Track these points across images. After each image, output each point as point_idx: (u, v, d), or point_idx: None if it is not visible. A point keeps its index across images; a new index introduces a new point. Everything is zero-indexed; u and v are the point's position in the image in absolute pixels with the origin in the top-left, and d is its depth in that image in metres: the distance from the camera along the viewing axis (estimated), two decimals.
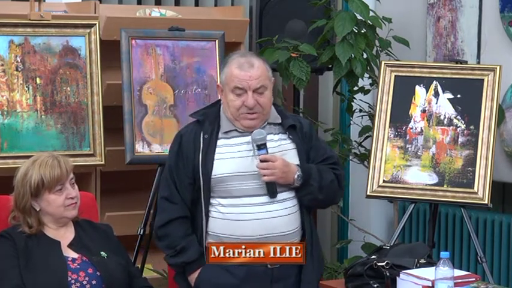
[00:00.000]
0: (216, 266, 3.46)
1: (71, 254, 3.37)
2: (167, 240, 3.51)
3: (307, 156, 3.57)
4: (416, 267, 3.46)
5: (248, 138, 3.48)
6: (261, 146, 3.44)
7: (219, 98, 3.61)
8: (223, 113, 3.54)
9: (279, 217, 3.46)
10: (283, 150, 3.52)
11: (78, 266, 3.33)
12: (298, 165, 3.50)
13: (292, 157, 3.52)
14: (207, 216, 3.48)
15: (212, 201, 3.48)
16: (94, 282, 3.32)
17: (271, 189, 3.45)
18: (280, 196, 3.47)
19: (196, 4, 5.66)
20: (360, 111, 5.09)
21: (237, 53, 3.64)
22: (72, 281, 3.28)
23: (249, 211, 3.44)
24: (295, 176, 3.46)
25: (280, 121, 3.56)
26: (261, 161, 3.43)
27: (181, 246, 3.47)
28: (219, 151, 3.49)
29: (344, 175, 3.69)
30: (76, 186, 3.45)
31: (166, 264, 3.91)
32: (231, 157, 3.48)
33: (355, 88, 4.91)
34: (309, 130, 3.62)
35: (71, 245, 3.39)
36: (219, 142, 3.50)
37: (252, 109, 3.46)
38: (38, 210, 3.37)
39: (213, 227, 3.48)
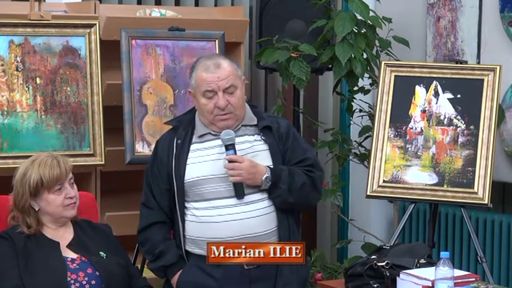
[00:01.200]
0: (195, 267, 3.49)
1: (70, 254, 3.37)
2: (147, 245, 3.57)
3: (283, 158, 3.56)
4: (416, 267, 3.46)
5: (221, 141, 3.49)
6: (229, 147, 3.46)
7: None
8: (198, 118, 3.57)
9: (251, 218, 3.47)
10: (255, 151, 3.53)
11: (78, 266, 3.33)
12: (268, 167, 3.49)
13: (264, 158, 3.52)
14: (183, 221, 3.51)
15: (187, 205, 3.51)
16: (93, 282, 3.32)
17: (238, 190, 3.46)
18: (252, 197, 3.48)
19: (196, 4, 5.66)
20: (360, 111, 5.09)
21: (203, 56, 3.67)
22: (72, 281, 3.28)
23: (221, 213, 3.46)
24: (263, 178, 3.46)
25: (255, 122, 3.58)
26: (228, 161, 3.44)
27: (159, 250, 3.52)
28: (192, 155, 3.52)
29: (322, 177, 3.66)
30: (75, 186, 3.45)
31: None
32: (203, 160, 3.51)
33: (355, 88, 4.91)
34: (286, 131, 3.60)
35: (70, 246, 3.39)
36: (192, 147, 3.53)
37: (224, 109, 3.48)
38: (37, 210, 3.37)
39: (190, 231, 3.51)
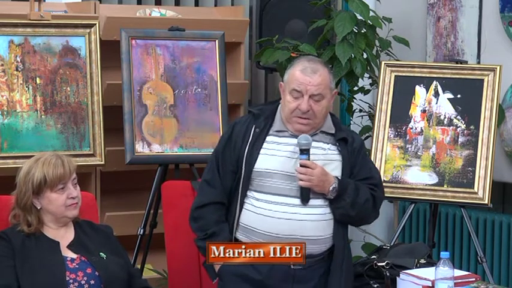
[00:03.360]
0: None
1: (69, 254, 3.37)
2: (200, 222, 3.56)
3: (351, 172, 3.58)
4: (416, 267, 3.47)
5: (297, 141, 3.50)
6: (304, 151, 3.46)
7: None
8: (279, 113, 3.58)
9: (309, 221, 3.46)
10: (328, 159, 3.54)
11: (77, 266, 3.33)
12: (337, 177, 3.51)
13: (335, 168, 3.53)
14: (241, 207, 3.52)
15: (248, 193, 3.52)
16: (92, 282, 3.32)
17: (304, 195, 3.46)
18: (313, 202, 3.48)
19: (196, 4, 5.66)
20: (360, 111, 5.09)
21: (306, 56, 3.69)
22: (71, 281, 3.28)
23: (280, 209, 3.47)
24: (331, 188, 3.47)
25: (333, 132, 3.59)
26: (301, 165, 3.45)
27: (212, 231, 3.51)
28: (266, 146, 3.53)
29: (382, 199, 3.68)
30: (78, 187, 3.45)
31: (167, 264, 3.92)
32: (276, 154, 3.52)
33: (355, 88, 4.91)
34: (359, 147, 3.63)
35: (70, 246, 3.39)
36: (268, 138, 3.54)
37: (305, 114, 3.48)
38: (39, 208, 3.37)
39: (245, 219, 3.51)
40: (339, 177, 3.51)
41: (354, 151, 3.59)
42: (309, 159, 3.45)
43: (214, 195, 3.56)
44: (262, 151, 3.52)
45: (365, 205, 3.53)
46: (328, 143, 3.56)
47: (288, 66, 3.61)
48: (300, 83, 3.49)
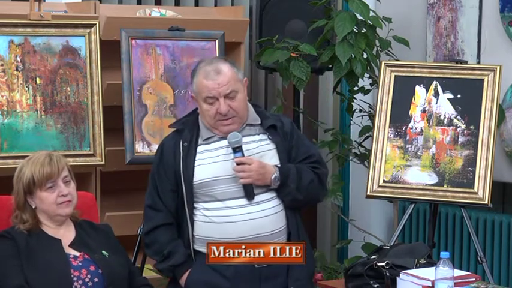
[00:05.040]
0: (205, 266, 3.49)
1: (72, 252, 3.37)
2: (154, 246, 3.58)
3: (289, 155, 3.58)
4: (416, 267, 3.46)
5: (227, 141, 3.50)
6: (237, 149, 3.47)
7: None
8: (201, 122, 3.58)
9: (262, 218, 3.48)
10: (263, 151, 3.54)
11: (80, 264, 3.33)
12: (276, 166, 3.51)
13: (271, 157, 3.54)
14: (192, 221, 3.52)
15: (196, 205, 3.52)
16: (96, 279, 3.32)
17: (248, 192, 3.47)
18: (261, 197, 3.50)
19: (196, 4, 5.66)
20: (360, 111, 5.09)
21: (203, 60, 3.65)
22: (75, 278, 3.29)
23: (232, 213, 3.48)
24: (272, 178, 3.48)
25: (259, 122, 3.59)
26: (237, 163, 3.45)
27: (168, 251, 3.53)
28: (200, 157, 3.53)
29: (327, 173, 3.69)
30: (72, 184, 3.44)
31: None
32: (212, 162, 3.52)
33: (355, 88, 4.91)
34: (290, 129, 3.62)
35: (72, 245, 3.40)
36: (199, 148, 3.55)
37: (226, 115, 3.49)
38: (34, 207, 3.38)
39: (199, 231, 3.52)
40: (278, 165, 3.51)
41: (286, 135, 3.59)
42: (243, 156, 3.46)
43: (160, 218, 3.57)
44: (196, 163, 3.52)
45: (310, 185, 3.54)
46: (258, 134, 3.57)
47: (192, 75, 3.60)
48: (210, 89, 3.49)
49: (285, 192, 3.51)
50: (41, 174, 3.35)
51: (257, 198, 3.49)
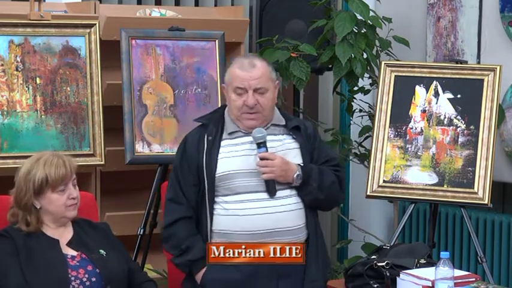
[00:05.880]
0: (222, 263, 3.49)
1: (70, 251, 3.37)
2: (172, 240, 3.58)
3: (311, 157, 3.61)
4: (416, 267, 3.46)
5: (251, 138, 3.52)
6: (261, 144, 3.50)
7: (223, 100, 3.66)
8: (228, 115, 3.61)
9: (282, 212, 3.50)
10: (286, 149, 3.57)
11: (78, 263, 3.33)
12: (299, 164, 3.53)
13: (294, 156, 3.57)
14: (212, 215, 3.52)
15: (216, 199, 3.53)
16: (94, 279, 3.32)
17: (270, 187, 3.49)
18: (282, 193, 3.52)
19: (196, 4, 5.66)
20: (360, 111, 5.09)
21: (243, 55, 3.70)
22: (72, 278, 3.29)
23: (252, 206, 3.49)
24: (295, 175, 3.51)
25: (284, 123, 3.63)
26: (261, 159, 3.47)
27: (186, 246, 3.53)
28: (223, 150, 3.55)
29: (344, 178, 3.75)
30: (77, 188, 3.45)
31: (166, 264, 3.91)
32: (235, 155, 3.54)
33: (355, 88, 4.91)
34: (313, 132, 3.68)
35: (69, 244, 3.39)
36: (223, 142, 3.57)
37: (252, 108, 3.52)
38: (38, 208, 3.37)
39: (218, 224, 3.52)
40: (301, 164, 3.54)
41: (309, 137, 3.64)
42: (267, 151, 3.49)
43: (181, 211, 3.58)
44: (220, 156, 3.54)
45: (332, 187, 3.59)
46: (282, 134, 3.60)
47: (227, 67, 3.65)
48: (242, 80, 3.53)
49: (306, 190, 3.53)
50: (57, 175, 3.34)
51: (278, 193, 3.51)
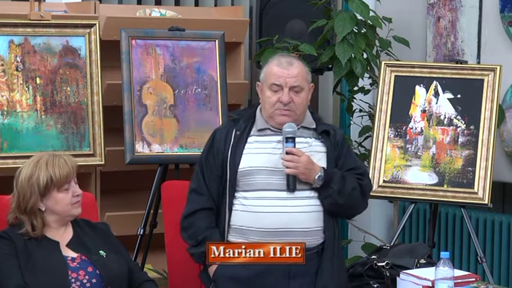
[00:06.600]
0: None
1: (70, 253, 3.37)
2: (190, 230, 3.59)
3: (335, 163, 3.61)
4: (417, 267, 3.47)
5: (280, 138, 3.54)
6: (289, 139, 3.50)
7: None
8: (260, 113, 3.63)
9: (299, 213, 3.49)
10: (312, 151, 3.57)
11: (78, 265, 3.33)
12: (323, 167, 3.53)
13: (319, 159, 3.57)
14: (230, 210, 3.54)
15: (236, 194, 3.54)
16: (94, 280, 3.32)
17: (291, 183, 3.49)
18: (301, 193, 3.51)
19: (196, 4, 5.66)
20: (360, 111, 5.09)
21: (280, 54, 3.75)
22: (73, 280, 3.28)
23: (270, 204, 3.49)
24: (316, 177, 3.50)
25: (314, 126, 3.63)
26: (287, 153, 3.48)
27: (203, 237, 3.53)
28: (249, 146, 3.57)
29: (371, 188, 3.74)
30: (77, 184, 3.45)
31: (167, 264, 3.91)
32: (259, 152, 3.55)
33: (355, 88, 4.91)
34: (342, 139, 3.67)
35: (69, 245, 3.39)
36: (250, 139, 3.59)
37: (286, 105, 3.53)
38: (43, 210, 3.37)
39: (236, 220, 3.53)
40: (325, 167, 3.54)
41: (338, 143, 3.63)
42: (294, 147, 3.49)
43: (202, 202, 3.59)
44: (245, 151, 3.56)
45: (353, 193, 3.56)
46: (311, 137, 3.61)
47: (263, 65, 3.66)
48: (279, 77, 3.54)
49: (326, 193, 3.52)
50: (62, 175, 3.34)
51: (298, 193, 3.51)
